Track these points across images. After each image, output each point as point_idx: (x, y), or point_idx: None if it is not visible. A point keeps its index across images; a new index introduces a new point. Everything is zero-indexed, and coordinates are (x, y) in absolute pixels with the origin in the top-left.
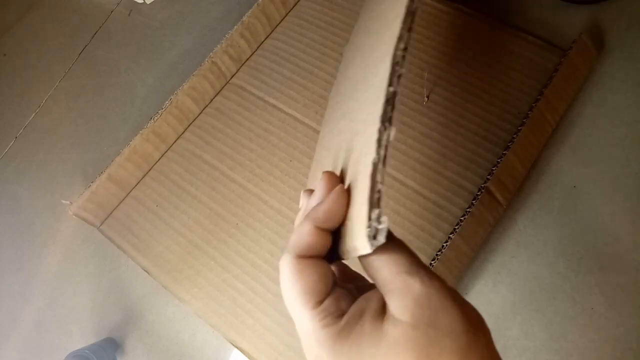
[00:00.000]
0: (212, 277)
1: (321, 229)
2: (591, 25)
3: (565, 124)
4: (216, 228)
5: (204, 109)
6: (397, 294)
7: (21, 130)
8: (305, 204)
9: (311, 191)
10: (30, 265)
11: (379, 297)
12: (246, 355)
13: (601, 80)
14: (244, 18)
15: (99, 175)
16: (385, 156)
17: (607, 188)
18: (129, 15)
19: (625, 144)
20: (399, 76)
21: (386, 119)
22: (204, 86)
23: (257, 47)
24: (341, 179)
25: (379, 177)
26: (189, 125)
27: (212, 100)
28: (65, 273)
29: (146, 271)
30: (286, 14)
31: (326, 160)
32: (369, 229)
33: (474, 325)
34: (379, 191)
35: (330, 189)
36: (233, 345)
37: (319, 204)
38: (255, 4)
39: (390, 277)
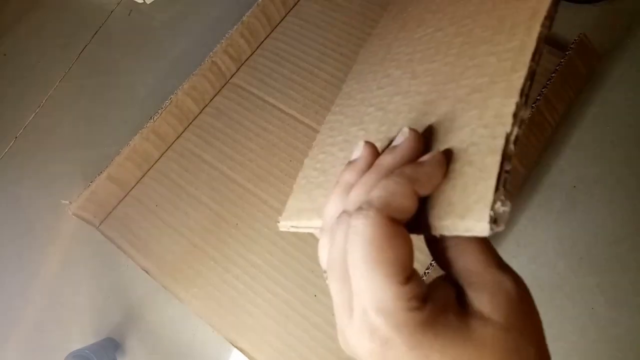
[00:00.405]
0: (212, 277)
1: (416, 194)
2: (591, 25)
3: (565, 124)
4: (216, 228)
5: (203, 108)
6: (486, 289)
7: (21, 130)
8: (368, 156)
9: (372, 144)
10: (30, 265)
11: (451, 287)
12: (246, 355)
13: (601, 80)
14: (244, 18)
15: (99, 175)
16: (517, 136)
17: (607, 188)
18: (129, 15)
19: (626, 144)
20: (541, 54)
21: (524, 94)
22: (204, 86)
23: (257, 47)
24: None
25: (509, 152)
26: (188, 125)
27: (212, 100)
28: (65, 273)
29: (146, 271)
30: (286, 14)
31: (370, 117)
32: (492, 212)
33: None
34: (507, 171)
35: (419, 150)
36: (233, 345)
37: (418, 165)
38: (255, 4)
39: (479, 268)
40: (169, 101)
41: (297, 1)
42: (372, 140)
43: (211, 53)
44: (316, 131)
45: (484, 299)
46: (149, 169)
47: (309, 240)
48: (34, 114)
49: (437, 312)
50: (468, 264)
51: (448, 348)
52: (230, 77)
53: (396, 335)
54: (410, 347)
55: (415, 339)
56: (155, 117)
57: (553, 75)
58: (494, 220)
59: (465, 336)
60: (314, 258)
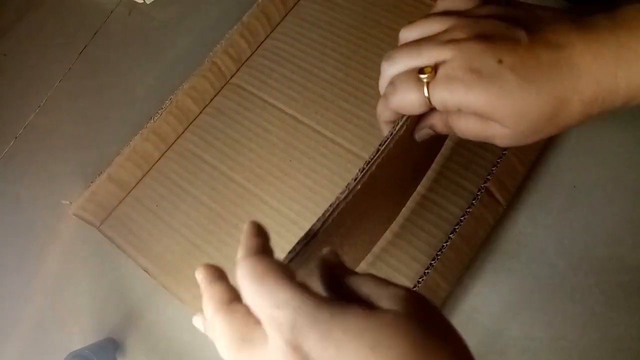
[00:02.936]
0: None
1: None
2: None
3: None
4: (216, 228)
5: (203, 108)
6: (383, 297)
7: (21, 130)
8: None
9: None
10: (30, 265)
11: None
12: None
13: None
14: (244, 18)
15: (99, 175)
16: None
17: (607, 188)
18: (129, 15)
19: (626, 144)
20: None
21: None
22: (204, 86)
23: (257, 47)
24: None
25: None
26: (188, 125)
27: (212, 100)
28: (65, 273)
29: (146, 271)
30: (286, 14)
31: None
32: None
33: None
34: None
35: None
36: None
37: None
38: (255, 4)
39: (375, 290)
40: (169, 101)
41: (297, 1)
42: None
43: (211, 53)
44: (316, 131)
45: (384, 301)
46: (149, 169)
47: None
48: (34, 114)
49: (335, 301)
50: (367, 291)
51: (349, 322)
52: (230, 77)
53: (304, 320)
54: (312, 324)
55: (316, 317)
56: (155, 117)
57: None
58: None
59: (369, 315)
60: None
